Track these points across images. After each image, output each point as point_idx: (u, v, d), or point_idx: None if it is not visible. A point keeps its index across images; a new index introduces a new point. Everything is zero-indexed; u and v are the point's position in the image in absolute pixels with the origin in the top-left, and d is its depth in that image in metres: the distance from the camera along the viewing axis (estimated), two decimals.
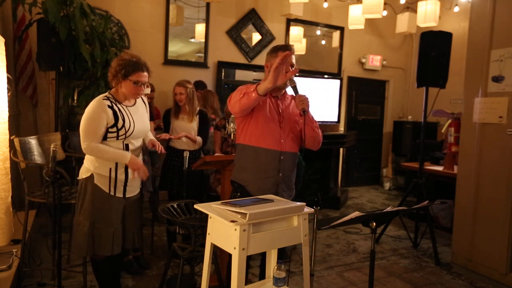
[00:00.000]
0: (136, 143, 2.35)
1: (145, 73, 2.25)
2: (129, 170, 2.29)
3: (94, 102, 2.21)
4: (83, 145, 2.18)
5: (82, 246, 2.23)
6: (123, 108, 2.26)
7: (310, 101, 2.16)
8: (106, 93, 2.27)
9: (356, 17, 5.46)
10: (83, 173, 2.28)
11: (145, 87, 2.32)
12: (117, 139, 2.23)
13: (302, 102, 2.11)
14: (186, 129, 3.36)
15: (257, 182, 2.22)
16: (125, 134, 2.24)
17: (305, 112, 2.11)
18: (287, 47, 2.22)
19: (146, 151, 3.13)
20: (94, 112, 2.17)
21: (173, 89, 3.40)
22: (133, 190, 2.38)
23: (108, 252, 2.27)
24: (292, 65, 2.21)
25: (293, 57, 2.23)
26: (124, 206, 2.34)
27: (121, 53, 2.37)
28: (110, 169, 2.24)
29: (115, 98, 2.26)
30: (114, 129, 2.21)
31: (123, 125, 2.23)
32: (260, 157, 2.20)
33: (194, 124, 3.40)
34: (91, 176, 2.23)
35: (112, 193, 2.26)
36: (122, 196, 2.30)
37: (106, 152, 2.20)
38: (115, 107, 2.22)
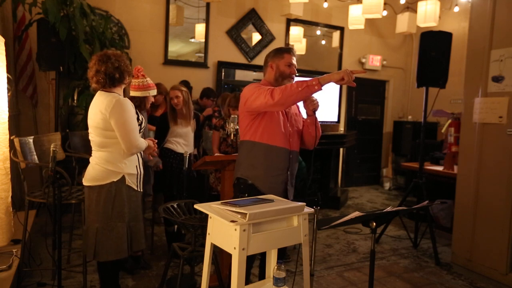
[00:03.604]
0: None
1: None
2: (140, 160, 2.37)
3: (120, 101, 2.17)
4: (135, 144, 2.21)
5: (122, 248, 2.24)
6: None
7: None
8: (115, 94, 2.23)
9: (356, 17, 5.45)
10: (109, 177, 2.22)
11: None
12: (139, 132, 2.31)
13: (313, 103, 2.24)
14: (184, 134, 3.41)
15: (268, 179, 2.26)
16: (144, 126, 2.37)
17: (315, 111, 2.27)
18: (290, 50, 2.35)
19: None
20: (128, 108, 2.19)
21: (169, 94, 3.38)
22: None
23: (143, 246, 2.37)
24: (295, 67, 2.34)
25: (294, 58, 2.33)
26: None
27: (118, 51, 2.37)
28: (136, 166, 2.31)
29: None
30: (139, 122, 2.29)
31: (142, 120, 2.34)
32: (273, 155, 2.25)
33: (191, 128, 3.46)
34: (122, 178, 2.23)
35: (139, 189, 2.34)
36: (141, 190, 2.40)
37: (143, 142, 2.31)
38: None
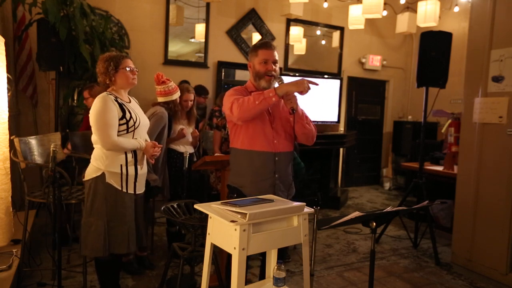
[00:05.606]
0: (142, 139, 2.37)
1: (130, 60, 2.35)
2: (138, 166, 2.34)
3: (99, 98, 2.21)
4: (109, 140, 2.17)
5: (98, 246, 2.23)
6: (124, 103, 2.30)
7: (307, 99, 2.14)
8: (104, 92, 2.27)
9: (356, 17, 5.45)
10: (91, 173, 2.26)
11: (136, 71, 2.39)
12: (127, 131, 2.27)
13: (290, 100, 2.05)
14: (186, 133, 3.41)
15: (253, 185, 2.17)
16: (134, 125, 2.28)
17: (294, 110, 2.05)
18: (265, 44, 2.19)
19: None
20: (105, 105, 2.18)
21: (182, 95, 3.36)
22: (141, 187, 2.42)
23: (124, 250, 2.30)
24: (275, 62, 2.18)
25: (276, 53, 2.19)
26: (135, 203, 2.37)
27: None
28: (121, 165, 2.26)
29: (115, 95, 2.29)
30: (124, 120, 2.24)
31: (131, 117, 2.28)
32: (255, 160, 2.16)
33: (192, 128, 3.48)
34: (102, 175, 2.23)
35: (124, 190, 2.28)
36: (133, 192, 2.34)
37: (127, 142, 2.25)
38: (118, 100, 2.27)
